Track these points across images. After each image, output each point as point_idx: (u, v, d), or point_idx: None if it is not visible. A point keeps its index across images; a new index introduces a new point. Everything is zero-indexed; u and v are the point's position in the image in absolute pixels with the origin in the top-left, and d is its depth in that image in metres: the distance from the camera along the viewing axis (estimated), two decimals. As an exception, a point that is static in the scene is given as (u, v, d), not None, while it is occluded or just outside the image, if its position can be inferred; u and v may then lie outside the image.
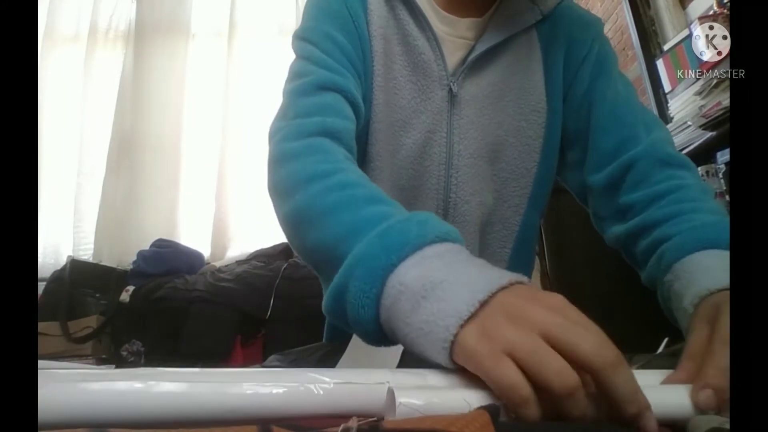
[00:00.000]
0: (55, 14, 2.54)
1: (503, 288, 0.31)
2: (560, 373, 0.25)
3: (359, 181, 0.45)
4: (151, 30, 2.53)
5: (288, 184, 0.47)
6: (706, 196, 0.54)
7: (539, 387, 0.26)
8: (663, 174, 0.56)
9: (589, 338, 0.27)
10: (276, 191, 0.49)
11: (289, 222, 0.46)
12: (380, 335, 0.36)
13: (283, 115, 0.54)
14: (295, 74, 0.57)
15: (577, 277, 2.01)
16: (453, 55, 0.62)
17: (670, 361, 0.53)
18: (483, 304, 0.30)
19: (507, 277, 0.31)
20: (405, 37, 0.61)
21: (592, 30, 0.67)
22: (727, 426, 0.25)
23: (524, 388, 0.25)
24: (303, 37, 0.59)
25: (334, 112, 0.53)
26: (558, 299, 0.30)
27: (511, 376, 0.26)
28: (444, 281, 0.32)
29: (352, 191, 0.43)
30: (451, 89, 0.61)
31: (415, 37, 0.61)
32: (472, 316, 0.30)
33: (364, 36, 0.60)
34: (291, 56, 0.61)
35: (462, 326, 0.29)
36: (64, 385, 0.24)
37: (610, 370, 0.26)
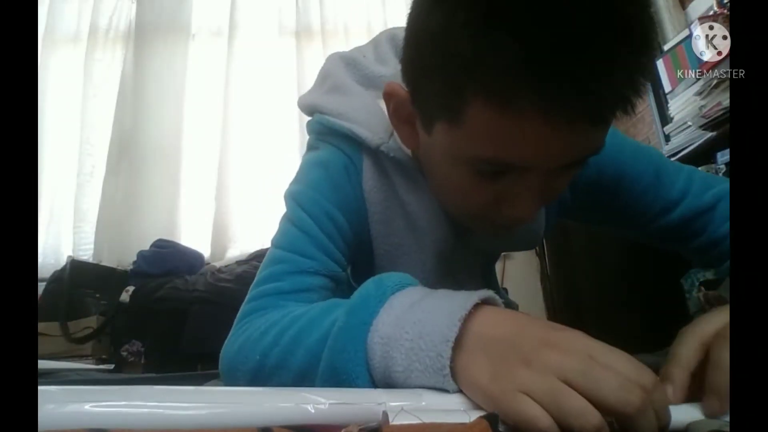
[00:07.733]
0: (55, 14, 2.53)
1: (477, 305, 0.32)
2: (582, 415, 0.25)
3: (306, 306, 0.44)
4: (151, 30, 2.52)
5: (247, 347, 0.45)
6: None
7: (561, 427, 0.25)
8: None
9: (609, 382, 0.26)
10: (237, 362, 0.45)
11: (262, 377, 0.42)
12: None
13: (266, 288, 0.51)
14: (287, 243, 0.54)
15: (578, 277, 2.01)
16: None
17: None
18: (465, 320, 0.31)
19: (475, 294, 0.33)
20: (403, 205, 0.58)
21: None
22: (727, 428, 0.25)
23: (543, 420, 0.25)
24: (300, 204, 0.56)
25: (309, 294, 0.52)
26: (577, 340, 0.29)
27: (530, 410, 0.26)
28: (421, 319, 0.33)
29: (307, 315, 0.42)
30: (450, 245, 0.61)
31: (410, 203, 0.58)
32: (461, 341, 0.31)
33: (362, 208, 0.58)
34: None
35: (455, 348, 0.30)
36: (61, 406, 0.24)
37: (633, 415, 0.25)
